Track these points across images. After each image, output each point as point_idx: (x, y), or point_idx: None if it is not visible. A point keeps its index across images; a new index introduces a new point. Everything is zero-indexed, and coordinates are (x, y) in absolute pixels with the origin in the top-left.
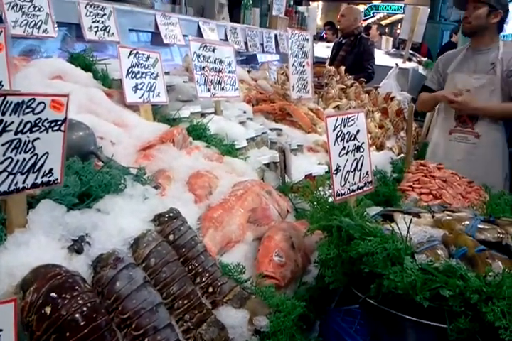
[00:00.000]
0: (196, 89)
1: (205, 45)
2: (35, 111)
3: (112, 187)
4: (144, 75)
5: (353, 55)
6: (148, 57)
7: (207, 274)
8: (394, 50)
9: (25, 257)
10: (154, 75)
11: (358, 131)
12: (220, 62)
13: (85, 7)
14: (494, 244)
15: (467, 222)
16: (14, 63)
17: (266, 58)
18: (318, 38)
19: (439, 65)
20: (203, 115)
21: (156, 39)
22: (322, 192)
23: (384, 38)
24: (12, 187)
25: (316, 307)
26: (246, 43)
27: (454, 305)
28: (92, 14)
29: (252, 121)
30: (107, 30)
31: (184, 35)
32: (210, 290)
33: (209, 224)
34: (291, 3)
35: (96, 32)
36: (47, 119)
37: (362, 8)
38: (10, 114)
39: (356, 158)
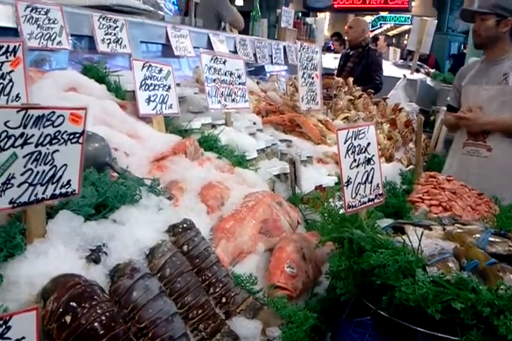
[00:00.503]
0: (207, 101)
1: (216, 58)
2: (55, 124)
3: (128, 198)
4: (156, 87)
5: (361, 67)
6: (160, 70)
7: (220, 285)
8: (401, 61)
9: (44, 267)
10: (167, 87)
11: (368, 144)
12: (231, 74)
13: (98, 20)
14: (505, 257)
15: (478, 235)
16: (30, 75)
17: (274, 69)
18: (326, 48)
19: (455, 80)
20: (213, 126)
21: (167, 50)
22: (332, 204)
23: (391, 49)
24: (32, 198)
25: (328, 318)
26: (255, 55)
27: (466, 318)
28: (104, 26)
29: (262, 133)
30: (119, 42)
31: (194, 47)
32: (224, 300)
33: (221, 234)
34: (300, 15)
35: (108, 44)
36: (66, 132)
37: (369, 19)
38: (31, 127)
39: (367, 171)
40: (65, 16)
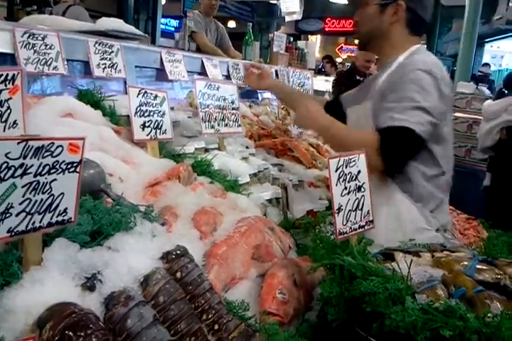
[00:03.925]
0: (201, 126)
1: (210, 84)
2: (54, 154)
3: (122, 225)
4: (151, 113)
5: None
6: (155, 96)
7: (213, 311)
8: None
9: (40, 295)
10: (161, 113)
11: (359, 172)
12: (224, 99)
13: (94, 45)
14: (492, 284)
15: (466, 263)
16: (26, 101)
17: (266, 92)
18: (317, 70)
19: None
20: (206, 150)
21: (161, 75)
22: (323, 229)
23: None
24: (29, 227)
25: None
26: None
27: None
28: (100, 52)
29: (254, 157)
30: (115, 67)
31: (188, 71)
32: (216, 327)
33: (214, 260)
34: (291, 39)
35: (104, 69)
36: (64, 161)
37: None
38: (30, 158)
39: (357, 198)
40: (61, 41)
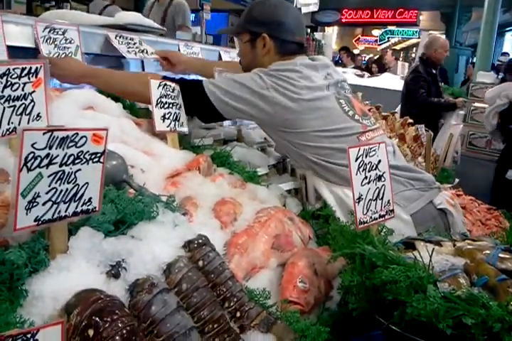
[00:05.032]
0: None
1: (227, 76)
2: (78, 145)
3: (145, 215)
4: (170, 105)
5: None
6: (173, 89)
7: (235, 299)
8: None
9: (67, 282)
10: (179, 106)
11: (379, 161)
12: None
13: (115, 38)
14: None
15: (488, 251)
16: (49, 94)
17: None
18: (334, 62)
19: None
20: (225, 142)
21: None
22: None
23: (399, 64)
24: (55, 216)
25: (339, 332)
26: None
27: (477, 333)
28: (123, 44)
29: (272, 148)
30: None
31: None
32: (238, 314)
33: (234, 250)
34: (308, 31)
35: None
36: (88, 152)
37: (377, 32)
38: (56, 148)
39: (378, 187)
40: (81, 36)
